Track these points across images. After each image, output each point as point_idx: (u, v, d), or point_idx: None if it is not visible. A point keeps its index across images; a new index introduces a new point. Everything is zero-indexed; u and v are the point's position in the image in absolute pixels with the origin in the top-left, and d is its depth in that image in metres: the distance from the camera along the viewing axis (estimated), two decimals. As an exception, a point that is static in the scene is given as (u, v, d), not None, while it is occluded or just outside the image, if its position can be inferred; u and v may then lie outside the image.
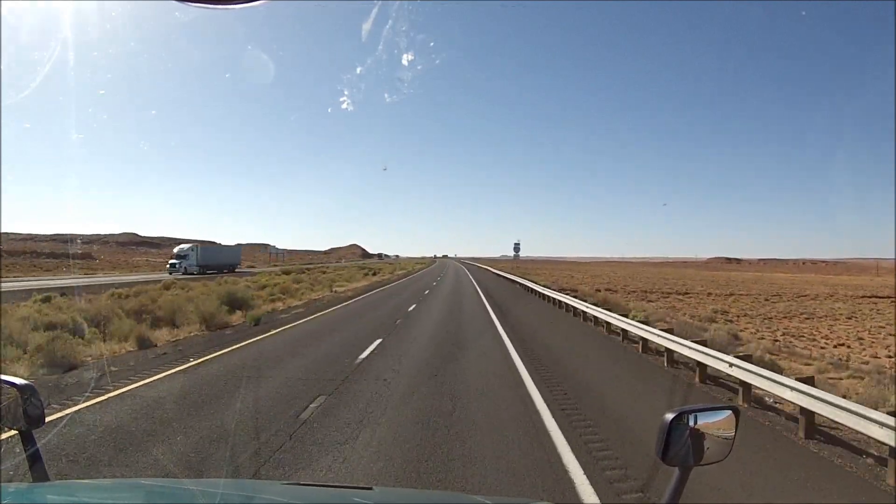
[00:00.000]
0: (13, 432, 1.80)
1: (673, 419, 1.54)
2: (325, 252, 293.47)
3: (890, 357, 18.17)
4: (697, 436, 1.58)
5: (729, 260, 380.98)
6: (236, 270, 63.97)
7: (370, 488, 2.72)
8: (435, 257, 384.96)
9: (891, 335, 23.32)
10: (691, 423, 1.58)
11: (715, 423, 1.63)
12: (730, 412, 1.67)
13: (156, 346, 12.82)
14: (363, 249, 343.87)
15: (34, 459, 1.78)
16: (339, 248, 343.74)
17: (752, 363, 8.09)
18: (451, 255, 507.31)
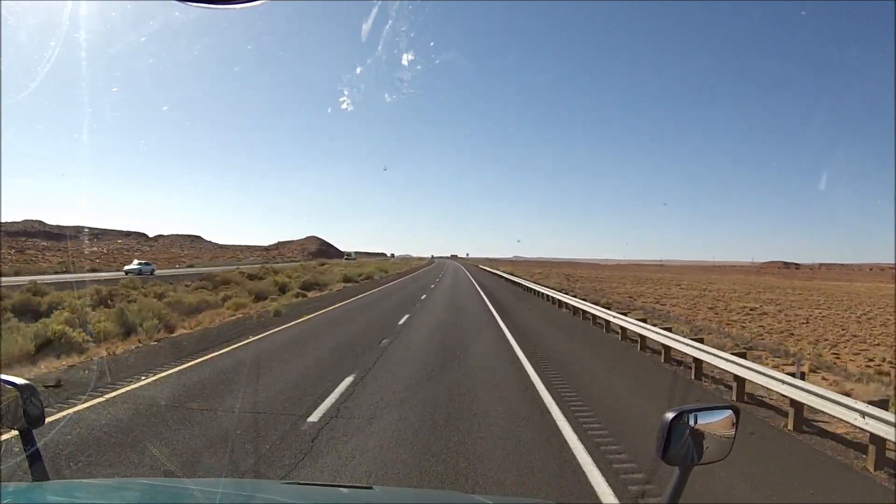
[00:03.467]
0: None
1: (673, 419, 1.53)
2: (268, 248, 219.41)
3: None
4: (697, 435, 1.57)
5: (787, 265, 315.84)
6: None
7: (370, 488, 2.73)
8: (433, 258, 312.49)
9: None
10: (691, 423, 1.57)
11: (715, 422, 1.62)
12: (730, 412, 1.66)
13: None
14: (326, 244, 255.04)
15: (34, 459, 1.78)
16: (292, 241, 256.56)
17: None
18: (461, 254, 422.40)
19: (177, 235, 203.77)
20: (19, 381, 1.77)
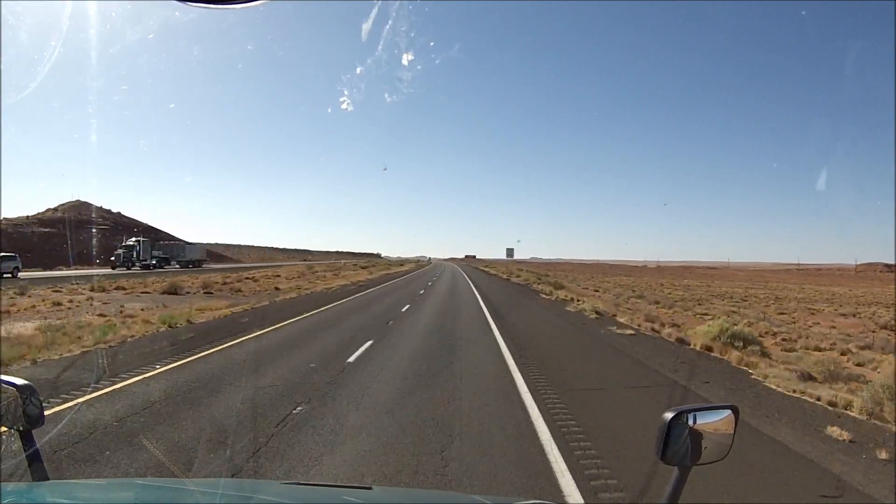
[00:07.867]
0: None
1: (672, 419, 1.53)
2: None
3: None
4: (696, 435, 1.57)
5: (888, 266, 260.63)
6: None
7: (369, 488, 2.73)
8: (430, 259, 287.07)
9: None
10: (690, 423, 1.57)
11: (714, 422, 1.63)
12: (729, 412, 1.66)
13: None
14: (119, 220, 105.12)
15: (34, 459, 1.79)
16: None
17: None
18: (486, 256, 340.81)
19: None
20: (19, 381, 1.77)
